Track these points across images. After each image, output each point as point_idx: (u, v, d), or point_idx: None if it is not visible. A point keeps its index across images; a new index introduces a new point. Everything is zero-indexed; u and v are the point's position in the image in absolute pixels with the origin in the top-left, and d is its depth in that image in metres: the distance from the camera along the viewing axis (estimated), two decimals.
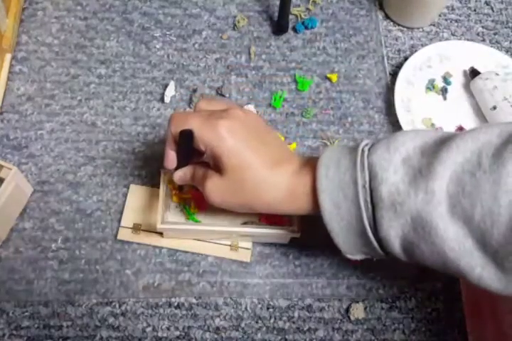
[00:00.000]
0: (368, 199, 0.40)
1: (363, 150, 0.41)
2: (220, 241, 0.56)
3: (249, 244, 0.56)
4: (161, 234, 0.55)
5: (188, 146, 0.46)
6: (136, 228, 0.56)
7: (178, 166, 0.50)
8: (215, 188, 0.45)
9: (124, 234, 0.56)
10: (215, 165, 0.45)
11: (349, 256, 0.44)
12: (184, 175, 0.49)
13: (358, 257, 0.44)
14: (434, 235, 0.37)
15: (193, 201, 0.57)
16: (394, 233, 0.39)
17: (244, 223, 0.56)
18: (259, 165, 0.44)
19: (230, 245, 0.56)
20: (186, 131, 0.45)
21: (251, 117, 0.47)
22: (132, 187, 0.59)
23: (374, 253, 0.43)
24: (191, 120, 0.45)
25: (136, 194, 0.58)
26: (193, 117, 0.45)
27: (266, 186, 0.44)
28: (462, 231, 0.36)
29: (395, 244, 0.40)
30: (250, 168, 0.44)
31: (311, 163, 0.44)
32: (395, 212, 0.38)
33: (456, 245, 0.37)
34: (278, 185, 0.44)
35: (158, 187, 0.54)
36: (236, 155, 0.44)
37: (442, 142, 0.39)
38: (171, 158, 0.49)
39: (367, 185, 0.40)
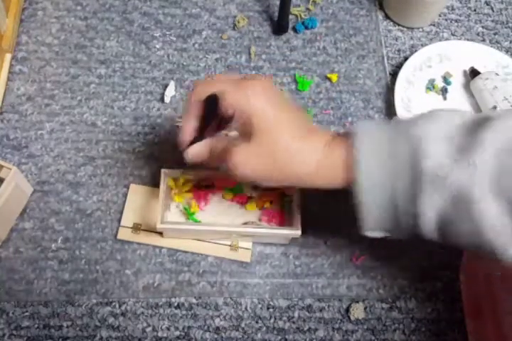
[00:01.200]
0: (408, 171, 0.38)
1: (405, 123, 0.40)
2: (220, 241, 0.56)
3: (249, 244, 0.56)
4: (161, 233, 0.56)
5: (212, 113, 0.43)
6: (136, 228, 0.56)
7: (193, 140, 0.46)
8: (242, 156, 0.42)
9: (124, 234, 0.56)
10: (244, 131, 0.43)
11: (367, 233, 0.43)
12: (200, 149, 0.46)
13: (377, 234, 0.43)
14: (474, 211, 0.36)
15: (194, 200, 0.57)
16: (432, 208, 0.38)
17: (245, 223, 0.56)
18: (292, 130, 0.42)
19: (230, 245, 0.56)
20: (212, 96, 0.42)
21: (273, 86, 0.44)
22: (132, 186, 0.59)
23: (397, 230, 0.41)
24: (219, 83, 0.43)
25: (136, 194, 0.58)
26: (221, 81, 0.43)
27: (298, 151, 0.41)
28: (503, 208, 0.36)
29: (431, 221, 0.38)
30: (283, 131, 0.41)
31: (343, 136, 0.42)
32: (437, 185, 0.37)
33: (496, 222, 0.36)
34: (311, 152, 0.42)
35: (158, 187, 0.54)
36: (269, 116, 0.41)
37: (482, 121, 0.38)
38: (189, 129, 0.45)
39: (407, 157, 0.38)
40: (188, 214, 0.56)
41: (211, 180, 0.56)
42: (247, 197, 0.57)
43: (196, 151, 0.46)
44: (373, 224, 0.42)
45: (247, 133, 0.42)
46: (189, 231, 0.54)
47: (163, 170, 0.54)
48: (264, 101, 0.42)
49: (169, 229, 0.53)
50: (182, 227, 0.53)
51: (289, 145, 0.42)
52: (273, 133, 0.41)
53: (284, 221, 0.56)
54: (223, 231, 0.54)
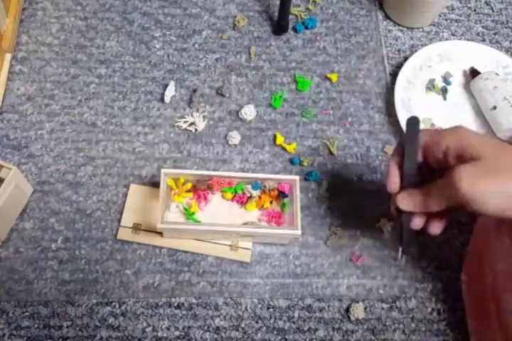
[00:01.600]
0: None
1: None
2: (220, 241, 0.56)
3: (249, 244, 0.56)
4: (161, 233, 0.56)
5: (416, 135, 0.46)
6: (136, 228, 0.56)
7: (403, 183, 0.46)
8: (468, 174, 0.40)
9: (124, 234, 0.56)
10: (461, 160, 0.43)
11: None
12: (410, 194, 0.45)
13: None
14: None
15: (194, 200, 0.57)
16: None
17: (245, 223, 0.56)
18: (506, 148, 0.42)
19: (230, 245, 0.56)
20: (413, 118, 0.46)
21: None
22: (132, 187, 0.59)
23: None
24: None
25: (136, 194, 0.58)
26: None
27: None
28: None
29: None
30: (505, 150, 0.41)
31: None
32: None
33: None
34: None
35: (158, 187, 0.54)
36: (488, 143, 0.42)
37: None
38: (395, 179, 0.46)
39: None
40: (188, 214, 0.56)
41: (211, 179, 0.56)
42: (247, 197, 0.57)
43: (407, 197, 0.45)
44: None
45: (464, 159, 0.42)
46: (189, 231, 0.54)
47: (163, 171, 0.54)
48: (478, 136, 0.44)
49: (169, 229, 0.53)
50: (182, 227, 0.53)
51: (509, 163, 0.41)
52: (498, 151, 0.41)
53: (284, 221, 0.56)
54: (223, 232, 0.54)
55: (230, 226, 0.54)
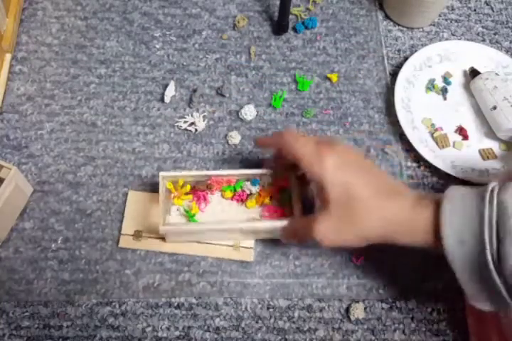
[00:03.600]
0: (494, 234, 0.39)
1: (492, 189, 0.41)
2: (221, 243, 0.56)
3: (251, 243, 0.56)
4: (162, 239, 0.55)
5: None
6: (137, 235, 0.56)
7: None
8: (324, 227, 0.45)
9: (126, 242, 0.56)
10: (320, 196, 0.46)
11: (475, 304, 0.43)
12: (288, 232, 0.51)
13: (484, 306, 0.42)
14: None
15: (194, 202, 0.56)
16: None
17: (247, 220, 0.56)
18: (370, 196, 0.45)
19: (231, 246, 0.56)
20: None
21: (351, 152, 0.48)
22: (131, 193, 0.58)
23: (499, 299, 0.41)
24: (303, 143, 0.48)
25: (135, 200, 0.58)
26: (304, 141, 0.48)
27: (377, 216, 0.44)
28: None
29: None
30: (359, 198, 0.44)
31: (429, 198, 0.44)
32: None
33: None
34: (393, 217, 0.44)
35: (157, 192, 0.53)
36: (342, 186, 0.45)
37: None
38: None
39: (494, 221, 0.39)
40: (188, 216, 0.56)
41: (209, 179, 0.55)
42: (246, 194, 0.56)
43: (285, 234, 0.52)
44: (471, 292, 0.42)
45: (324, 199, 0.46)
46: (191, 232, 0.54)
47: (161, 174, 0.53)
48: (339, 172, 0.45)
49: (171, 231, 0.52)
50: (184, 228, 0.53)
51: (367, 207, 0.44)
52: (350, 199, 0.44)
53: (286, 215, 0.56)
54: (226, 229, 0.53)
55: (233, 223, 0.54)
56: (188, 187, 0.55)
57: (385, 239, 0.45)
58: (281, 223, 0.52)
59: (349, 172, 0.45)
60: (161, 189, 0.53)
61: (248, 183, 0.56)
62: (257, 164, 0.62)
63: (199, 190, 0.56)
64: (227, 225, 0.53)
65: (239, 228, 0.53)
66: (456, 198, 0.42)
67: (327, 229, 0.45)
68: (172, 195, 0.56)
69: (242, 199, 0.57)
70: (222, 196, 0.57)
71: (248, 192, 0.56)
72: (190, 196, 0.56)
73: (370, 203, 0.44)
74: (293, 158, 0.48)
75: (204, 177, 0.55)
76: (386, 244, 0.45)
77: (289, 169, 0.54)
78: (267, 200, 0.57)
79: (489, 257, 0.39)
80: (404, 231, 0.44)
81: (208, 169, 0.61)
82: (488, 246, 0.39)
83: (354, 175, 0.45)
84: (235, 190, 0.57)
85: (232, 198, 0.57)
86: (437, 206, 0.42)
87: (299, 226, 0.50)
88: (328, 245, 0.46)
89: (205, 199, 0.57)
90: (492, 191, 0.41)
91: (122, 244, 0.56)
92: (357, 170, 0.46)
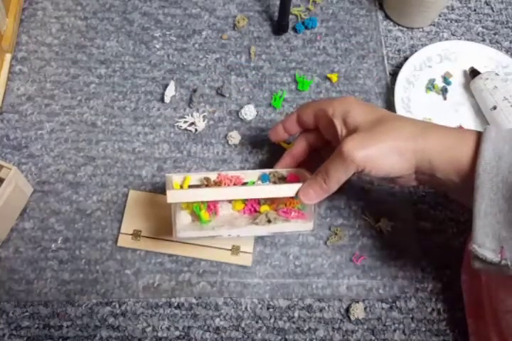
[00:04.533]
0: None
1: None
2: (220, 246, 0.56)
3: (250, 248, 0.56)
4: (161, 239, 0.55)
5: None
6: (136, 234, 0.56)
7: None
8: (352, 140, 0.43)
9: (124, 241, 0.56)
10: (348, 124, 0.46)
11: (476, 249, 0.39)
12: (313, 188, 0.46)
13: (486, 252, 0.38)
14: None
15: (203, 210, 0.50)
16: None
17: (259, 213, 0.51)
18: (396, 115, 0.47)
19: (230, 249, 0.56)
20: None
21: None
22: (131, 193, 0.58)
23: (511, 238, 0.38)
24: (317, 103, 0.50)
25: (136, 199, 0.58)
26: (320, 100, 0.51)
27: (410, 124, 0.44)
28: None
29: None
30: (389, 113, 0.46)
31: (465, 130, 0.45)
32: None
33: None
34: (427, 126, 0.44)
35: (157, 192, 0.52)
36: (370, 108, 0.46)
37: None
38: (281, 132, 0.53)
39: None
40: (198, 215, 0.50)
41: (218, 177, 0.51)
42: (258, 205, 0.51)
43: (306, 193, 0.47)
44: (485, 225, 0.39)
45: (351, 123, 0.46)
46: (205, 238, 0.50)
47: (167, 175, 0.50)
48: (362, 104, 0.47)
49: (189, 239, 0.49)
50: (200, 235, 0.48)
51: (399, 117, 0.46)
52: (378, 116, 0.45)
53: (301, 216, 0.51)
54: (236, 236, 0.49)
55: (243, 229, 0.49)
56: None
57: (416, 149, 0.42)
58: (299, 185, 0.47)
59: (370, 106, 0.47)
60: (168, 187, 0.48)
61: (259, 182, 0.52)
62: (257, 164, 0.62)
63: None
64: (246, 231, 0.49)
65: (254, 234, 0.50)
66: (500, 128, 0.41)
67: (356, 141, 0.43)
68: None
69: (254, 209, 0.51)
70: (233, 208, 0.51)
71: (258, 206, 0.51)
72: (199, 203, 0.50)
73: (399, 118, 0.46)
74: (317, 112, 0.49)
75: (212, 176, 0.51)
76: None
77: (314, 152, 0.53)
78: (281, 205, 0.51)
79: None
80: (439, 147, 0.42)
81: (208, 169, 0.61)
82: None
83: (376, 107, 0.47)
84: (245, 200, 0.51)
85: (243, 211, 0.51)
86: (477, 132, 0.42)
87: (325, 166, 0.46)
88: (358, 161, 0.42)
89: (214, 206, 0.51)
90: None
91: (121, 243, 0.56)
92: (377, 106, 0.48)
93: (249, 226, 0.49)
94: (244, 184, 0.52)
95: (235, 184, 0.52)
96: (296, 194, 0.47)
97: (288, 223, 0.49)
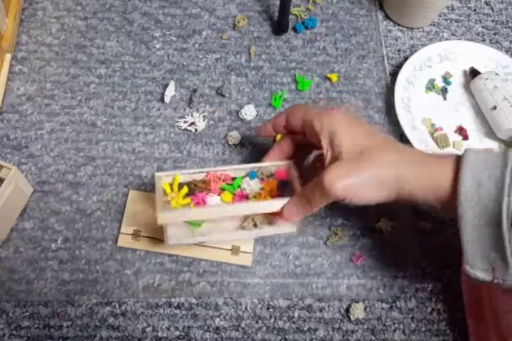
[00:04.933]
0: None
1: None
2: (220, 246, 0.56)
3: (250, 248, 0.56)
4: (161, 239, 0.55)
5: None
6: (136, 234, 0.56)
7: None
8: (334, 171, 0.44)
9: (124, 241, 0.56)
10: (332, 148, 0.46)
11: (471, 271, 0.41)
12: (295, 203, 0.48)
13: (478, 273, 0.41)
14: None
15: (192, 206, 0.53)
16: None
17: (246, 217, 0.53)
18: (382, 140, 0.46)
19: (230, 249, 0.56)
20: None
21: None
22: (131, 193, 0.58)
23: (500, 259, 0.39)
24: (308, 109, 0.50)
25: (136, 199, 0.58)
26: (308, 109, 0.50)
27: (391, 153, 0.44)
28: None
29: None
30: (372, 141, 0.45)
31: (444, 154, 0.45)
32: None
33: None
34: (407, 155, 0.44)
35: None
36: (354, 133, 0.45)
37: None
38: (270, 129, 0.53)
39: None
40: (190, 223, 0.53)
41: (207, 176, 0.53)
42: (245, 195, 0.54)
43: (292, 208, 0.49)
44: (473, 249, 0.40)
45: (335, 148, 0.45)
46: (196, 241, 0.53)
47: (157, 174, 0.52)
48: (348, 124, 0.46)
49: (179, 245, 0.51)
50: (191, 241, 0.52)
51: (380, 146, 0.44)
52: (362, 144, 0.44)
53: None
54: (228, 239, 0.52)
55: (233, 232, 0.52)
56: (185, 189, 0.53)
57: (398, 179, 0.43)
58: (283, 200, 0.50)
59: (358, 125, 0.46)
60: (158, 190, 0.51)
61: (247, 179, 0.54)
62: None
63: (197, 188, 0.53)
64: (227, 237, 0.51)
65: (240, 238, 0.52)
66: (479, 152, 0.41)
67: (338, 171, 0.44)
68: (169, 197, 0.53)
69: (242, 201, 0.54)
70: (222, 199, 0.54)
71: (248, 190, 0.54)
72: (189, 200, 0.53)
73: (381, 145, 0.45)
74: (299, 119, 0.49)
75: (201, 174, 0.53)
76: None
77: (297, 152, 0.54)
78: (268, 198, 0.53)
79: (505, 207, 0.37)
80: (419, 174, 0.43)
81: None
82: (506, 196, 0.38)
83: (365, 127, 0.46)
84: (234, 189, 0.54)
85: (232, 202, 0.54)
86: (456, 159, 0.42)
87: (305, 190, 0.47)
88: (339, 194, 0.44)
89: (204, 202, 0.53)
90: None
91: (121, 243, 0.56)
92: (365, 125, 0.47)
93: (238, 231, 0.52)
94: (234, 179, 0.54)
95: (224, 180, 0.54)
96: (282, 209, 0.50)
97: (272, 228, 0.52)
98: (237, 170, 0.54)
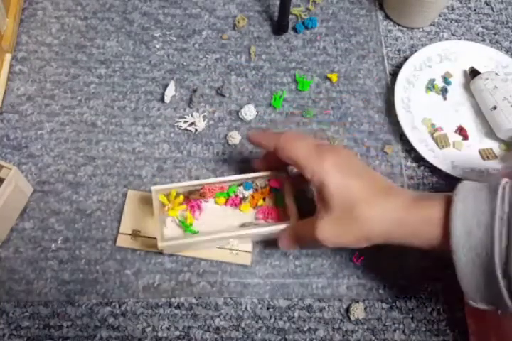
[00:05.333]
0: (504, 231, 0.38)
1: (504, 186, 0.40)
2: (220, 246, 0.56)
3: (249, 247, 0.56)
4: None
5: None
6: (135, 234, 0.56)
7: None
8: (326, 228, 0.46)
9: (123, 241, 0.56)
10: (320, 198, 0.46)
11: (473, 303, 0.42)
12: (286, 236, 0.51)
13: (481, 305, 0.42)
14: None
15: (188, 211, 0.55)
16: None
17: (242, 225, 0.56)
18: (369, 196, 0.45)
19: (229, 249, 0.56)
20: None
21: (351, 154, 0.49)
22: (130, 193, 0.58)
23: (498, 300, 0.40)
24: (300, 144, 0.48)
25: (134, 200, 0.58)
26: (301, 143, 0.48)
27: (378, 214, 0.44)
28: None
29: None
30: (359, 198, 0.44)
31: (433, 195, 0.44)
32: None
33: None
34: (394, 214, 0.44)
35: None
36: (343, 188, 0.45)
37: None
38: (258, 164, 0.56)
39: (505, 217, 0.38)
40: (184, 227, 0.55)
41: (202, 188, 0.55)
42: (239, 198, 0.56)
43: (284, 241, 0.52)
44: (471, 290, 0.41)
45: (324, 200, 0.46)
46: (190, 245, 0.53)
47: (153, 188, 0.52)
48: (339, 174, 0.45)
49: (171, 246, 0.51)
50: (182, 242, 0.51)
51: (366, 212, 0.44)
52: (350, 201, 0.45)
53: (280, 216, 0.55)
54: (223, 238, 0.52)
55: (228, 232, 0.52)
56: (181, 198, 0.54)
57: (387, 238, 0.45)
58: (277, 227, 0.52)
59: (349, 175, 0.45)
60: (155, 203, 0.52)
61: (241, 188, 0.55)
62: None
63: (193, 198, 0.55)
64: (223, 235, 0.52)
65: (234, 236, 0.52)
66: (468, 192, 0.41)
67: (329, 230, 0.45)
68: (166, 207, 0.54)
69: (235, 203, 0.56)
70: (216, 202, 0.56)
71: (241, 196, 0.55)
72: (184, 206, 0.55)
73: (369, 203, 0.44)
74: (290, 160, 0.48)
75: (197, 187, 0.55)
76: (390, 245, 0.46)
77: (280, 168, 0.54)
78: (260, 202, 0.56)
79: (497, 255, 0.38)
80: (407, 229, 0.44)
81: (208, 169, 0.61)
82: (497, 244, 0.38)
83: (354, 177, 0.45)
84: (228, 196, 0.56)
85: (225, 203, 0.56)
86: (444, 201, 0.42)
87: (299, 230, 0.50)
88: (330, 246, 0.46)
89: (199, 207, 0.56)
90: (504, 188, 0.40)
91: (120, 243, 0.56)
92: (356, 172, 0.46)
93: (230, 231, 0.53)
94: (229, 187, 0.56)
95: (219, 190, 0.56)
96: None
97: (264, 228, 0.53)
98: (233, 181, 0.55)
